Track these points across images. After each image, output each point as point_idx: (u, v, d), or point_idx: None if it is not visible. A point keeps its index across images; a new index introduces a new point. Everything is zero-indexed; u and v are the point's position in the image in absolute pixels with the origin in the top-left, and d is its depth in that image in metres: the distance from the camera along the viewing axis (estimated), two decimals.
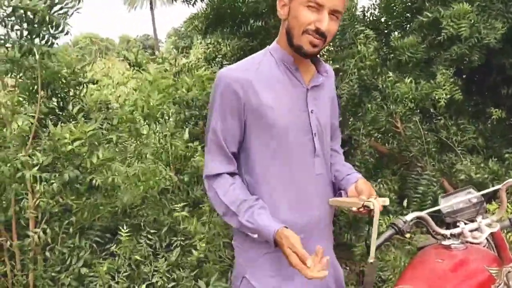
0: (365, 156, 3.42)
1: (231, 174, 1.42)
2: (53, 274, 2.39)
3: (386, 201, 1.38)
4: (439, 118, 4.14)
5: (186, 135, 2.54)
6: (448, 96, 3.54)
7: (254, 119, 1.38)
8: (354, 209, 1.39)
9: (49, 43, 2.22)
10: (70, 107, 2.46)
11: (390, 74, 3.73)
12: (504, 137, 4.34)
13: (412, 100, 3.67)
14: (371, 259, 1.35)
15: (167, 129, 2.49)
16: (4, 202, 2.36)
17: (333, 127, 1.62)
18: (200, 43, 5.95)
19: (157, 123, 2.61)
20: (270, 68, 1.42)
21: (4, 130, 2.27)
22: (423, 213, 1.72)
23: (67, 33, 2.08)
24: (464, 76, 4.27)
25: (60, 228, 2.39)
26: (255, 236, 1.35)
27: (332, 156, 1.65)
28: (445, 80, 3.58)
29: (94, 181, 2.33)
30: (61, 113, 2.69)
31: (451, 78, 3.61)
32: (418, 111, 3.99)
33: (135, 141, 2.55)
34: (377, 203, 1.32)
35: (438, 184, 3.74)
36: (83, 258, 2.40)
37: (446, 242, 1.64)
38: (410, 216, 1.69)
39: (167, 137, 2.56)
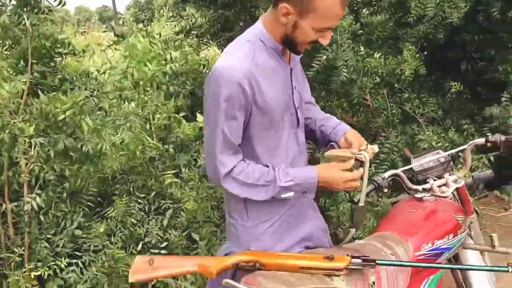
0: None
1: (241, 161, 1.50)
2: (48, 236, 2.49)
3: (375, 148, 1.57)
4: (403, 92, 4.40)
5: (172, 105, 2.65)
6: (413, 71, 3.80)
7: (257, 110, 1.44)
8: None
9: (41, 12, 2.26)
10: (57, 76, 2.52)
11: (362, 49, 3.94)
12: (462, 110, 4.68)
13: (380, 74, 3.90)
14: (361, 203, 1.55)
15: (157, 99, 2.59)
16: None
17: (307, 98, 1.77)
18: (171, 16, 5.90)
19: (147, 91, 2.71)
20: (263, 57, 1.45)
21: None
22: (398, 171, 1.95)
23: (64, 4, 2.13)
24: (425, 53, 4.53)
25: (54, 193, 2.48)
26: (291, 194, 1.47)
27: (310, 110, 1.79)
28: (411, 56, 3.83)
29: (85, 148, 2.42)
30: (45, 81, 2.72)
31: (416, 54, 3.86)
32: (384, 85, 4.25)
33: (124, 110, 2.64)
34: (367, 154, 1.51)
35: (398, 154, 4.03)
36: (77, 221, 2.50)
37: (418, 195, 1.88)
38: (388, 174, 1.92)
39: (157, 106, 2.66)
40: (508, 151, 1.94)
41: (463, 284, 2.12)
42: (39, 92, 2.39)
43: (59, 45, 2.60)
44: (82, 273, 2.46)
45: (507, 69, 4.16)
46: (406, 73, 3.74)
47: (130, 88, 2.53)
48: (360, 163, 1.51)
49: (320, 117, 1.78)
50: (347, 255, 1.37)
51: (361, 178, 1.54)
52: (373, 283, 1.42)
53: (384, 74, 3.86)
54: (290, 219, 1.58)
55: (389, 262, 1.40)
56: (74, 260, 2.47)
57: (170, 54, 2.91)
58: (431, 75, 4.75)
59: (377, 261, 1.35)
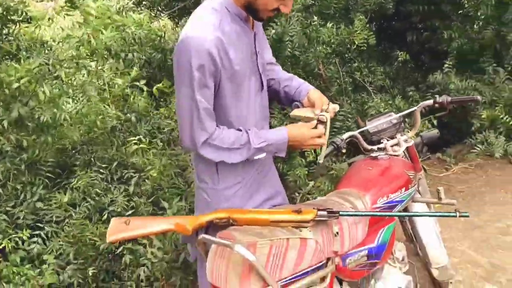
0: None
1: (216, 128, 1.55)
2: (7, 208, 2.44)
3: (336, 107, 1.69)
4: (353, 61, 4.57)
5: (134, 73, 2.63)
6: (364, 40, 3.95)
7: (225, 77, 1.49)
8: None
9: None
10: (12, 44, 2.43)
11: (315, 18, 4.03)
12: (408, 78, 4.93)
13: (333, 44, 4.02)
14: (320, 160, 1.68)
15: (116, 67, 2.56)
16: None
17: (268, 59, 1.82)
18: None
19: (105, 59, 2.67)
20: (229, 24, 1.48)
21: None
22: (355, 133, 2.09)
23: None
24: (374, 23, 4.70)
25: (11, 164, 2.43)
26: (264, 154, 1.56)
27: (273, 70, 1.86)
28: (361, 26, 3.97)
29: (43, 118, 2.37)
30: None
31: (366, 25, 4.01)
32: (335, 55, 4.39)
33: (81, 78, 2.59)
34: (328, 115, 1.62)
35: (353, 120, 4.22)
36: (38, 193, 2.47)
37: (373, 154, 2.03)
38: (346, 135, 2.05)
39: (115, 75, 2.64)
40: (451, 113, 2.12)
41: (412, 234, 2.33)
42: None
43: (12, 12, 2.49)
44: (45, 244, 2.45)
45: (451, 35, 4.40)
46: (356, 42, 3.88)
47: (86, 56, 2.48)
48: (322, 123, 1.62)
49: (283, 77, 1.85)
50: (314, 208, 1.48)
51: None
52: (337, 233, 1.55)
53: (335, 44, 3.98)
54: (258, 179, 1.68)
55: (351, 213, 1.53)
56: (37, 232, 2.44)
57: (125, 21, 2.85)
58: (379, 45, 4.95)
59: (340, 212, 1.47)
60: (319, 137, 1.61)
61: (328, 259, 1.54)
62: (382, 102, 4.16)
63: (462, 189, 3.74)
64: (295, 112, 1.70)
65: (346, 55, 4.57)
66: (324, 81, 4.48)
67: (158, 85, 2.70)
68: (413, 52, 4.82)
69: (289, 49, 3.68)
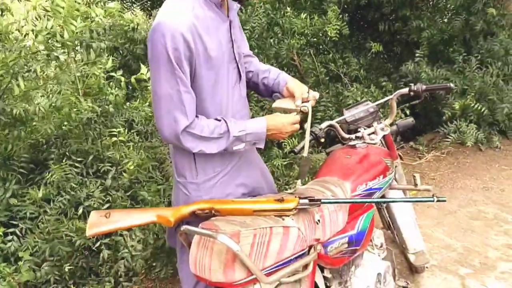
0: None
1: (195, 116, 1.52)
2: None
3: (316, 95, 1.71)
4: (328, 52, 4.60)
5: (109, 64, 2.57)
6: (338, 31, 3.98)
7: (200, 64, 1.46)
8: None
9: None
10: None
11: (288, 9, 4.03)
12: (381, 68, 5.00)
13: (307, 35, 4.04)
14: (305, 154, 1.67)
15: (90, 57, 2.50)
16: None
17: (245, 51, 1.83)
18: None
19: (76, 51, 2.60)
20: (202, 9, 1.47)
21: None
22: (333, 122, 2.10)
23: None
24: (347, 14, 4.73)
25: None
26: (242, 145, 1.55)
27: (251, 62, 1.86)
28: (334, 17, 4.00)
29: (16, 111, 2.30)
30: None
31: (339, 15, 4.04)
32: (310, 46, 4.41)
33: (54, 70, 2.52)
34: (310, 105, 1.63)
35: (334, 109, 4.26)
36: (11, 189, 2.40)
37: (351, 143, 2.05)
38: (324, 125, 2.06)
39: (86, 66, 2.58)
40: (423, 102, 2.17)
41: (389, 221, 2.38)
42: None
43: None
44: (19, 241, 2.39)
45: (420, 25, 4.48)
46: (330, 33, 3.91)
47: (57, 48, 2.40)
48: (304, 114, 1.63)
49: (261, 69, 1.85)
50: (295, 197, 1.49)
51: (304, 128, 1.67)
52: (318, 220, 1.56)
53: (310, 35, 4.00)
54: (238, 169, 1.67)
55: (332, 200, 1.55)
56: (11, 229, 2.37)
57: (95, 11, 2.78)
58: (353, 36, 5.00)
59: (322, 200, 1.49)
60: (297, 122, 1.63)
61: (310, 246, 1.55)
62: (358, 91, 4.22)
63: (435, 176, 3.84)
64: (276, 104, 1.70)
65: (321, 46, 4.60)
66: (300, 72, 4.50)
67: (136, 75, 2.64)
68: (385, 43, 4.88)
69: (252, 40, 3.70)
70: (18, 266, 2.21)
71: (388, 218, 2.35)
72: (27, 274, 2.15)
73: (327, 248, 1.65)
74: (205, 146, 1.51)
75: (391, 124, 2.18)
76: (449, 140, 4.00)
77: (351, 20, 5.04)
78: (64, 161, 2.47)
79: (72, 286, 2.41)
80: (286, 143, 3.36)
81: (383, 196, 2.11)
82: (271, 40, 4.00)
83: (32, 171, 2.64)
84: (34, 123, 2.46)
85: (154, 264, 2.55)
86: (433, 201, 1.46)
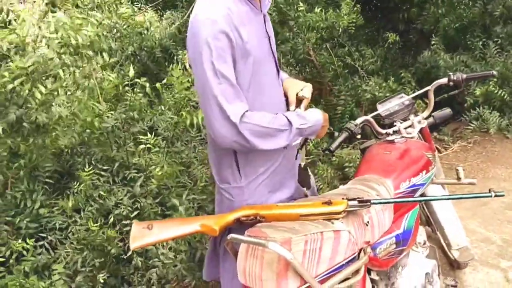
0: None
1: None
2: (7, 218, 2.33)
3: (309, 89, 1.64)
4: (343, 46, 4.52)
5: (132, 72, 2.51)
6: (352, 23, 3.90)
7: (240, 57, 1.42)
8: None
9: None
10: None
11: (301, 4, 3.96)
12: (397, 59, 4.90)
13: (322, 29, 3.97)
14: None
15: (104, 59, 2.45)
16: None
17: None
18: None
19: (89, 57, 2.55)
20: (235, 4, 1.44)
21: None
22: (368, 117, 2.03)
23: None
24: (359, 6, 4.64)
25: (8, 170, 2.31)
26: (300, 139, 1.52)
27: None
28: (348, 9, 3.92)
29: (39, 120, 2.26)
30: None
31: (354, 7, 3.96)
32: (325, 40, 4.33)
33: (69, 77, 2.47)
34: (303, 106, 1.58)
35: (353, 103, 4.18)
36: (39, 200, 2.36)
37: (389, 138, 1.97)
38: (359, 120, 1.98)
39: (105, 71, 2.53)
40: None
41: (428, 217, 2.29)
42: None
43: None
44: (49, 253, 2.35)
45: (437, 12, 4.37)
46: (342, 25, 3.83)
47: (71, 55, 2.35)
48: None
49: None
50: (343, 198, 1.42)
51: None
52: (367, 222, 1.49)
53: (325, 29, 3.93)
54: (281, 171, 1.61)
55: (383, 201, 1.48)
56: (40, 242, 2.33)
57: (107, 17, 2.75)
58: (367, 27, 4.91)
59: (372, 201, 1.42)
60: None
61: (360, 250, 1.48)
62: (376, 85, 4.13)
63: (464, 167, 3.73)
64: None
65: (336, 40, 4.52)
66: (317, 67, 4.42)
67: (158, 83, 2.59)
68: (400, 32, 4.78)
69: None
70: (52, 280, 2.17)
71: (428, 214, 2.27)
72: (62, 287, 2.10)
73: (376, 250, 1.58)
74: (266, 140, 1.43)
75: (427, 117, 2.10)
76: (470, 127, 3.90)
77: (364, 10, 4.95)
78: (89, 169, 2.42)
79: None
80: (309, 141, 3.29)
81: (424, 193, 2.05)
82: (287, 35, 3.93)
83: (58, 181, 2.60)
84: (56, 132, 2.42)
85: (185, 273, 2.49)
86: (490, 196, 1.38)
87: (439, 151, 4.06)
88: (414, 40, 5.08)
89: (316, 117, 1.54)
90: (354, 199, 1.41)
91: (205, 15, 1.36)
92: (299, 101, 1.61)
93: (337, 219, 1.40)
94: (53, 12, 3.06)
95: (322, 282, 1.31)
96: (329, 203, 1.40)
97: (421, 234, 2.02)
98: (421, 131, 2.10)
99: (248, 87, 1.47)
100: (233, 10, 1.41)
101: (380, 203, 1.46)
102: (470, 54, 4.37)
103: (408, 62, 4.94)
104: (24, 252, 2.24)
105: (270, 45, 1.57)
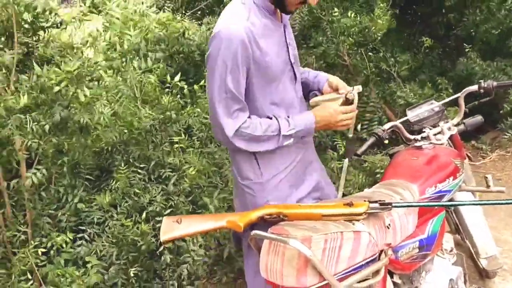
0: None
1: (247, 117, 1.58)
2: (50, 211, 2.48)
3: (359, 88, 1.67)
4: (378, 50, 4.50)
5: (175, 78, 2.64)
6: (386, 27, 3.88)
7: (256, 67, 1.53)
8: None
9: None
10: (47, 49, 2.46)
11: (336, 9, 3.98)
12: (434, 66, 4.82)
13: (356, 33, 3.97)
14: (350, 134, 1.73)
15: (147, 64, 2.58)
16: None
17: None
18: None
19: (132, 60, 2.68)
20: (257, 17, 1.54)
21: None
22: (396, 123, 2.05)
23: None
24: (397, 10, 4.60)
25: (53, 165, 2.46)
26: (291, 140, 1.58)
27: None
28: (382, 13, 3.91)
29: (82, 120, 2.40)
30: (31, 56, 2.67)
31: (388, 11, 3.94)
32: (359, 44, 4.32)
33: (114, 79, 2.62)
34: (356, 91, 1.62)
35: (382, 111, 4.16)
36: (79, 195, 2.50)
37: (417, 144, 1.98)
38: (387, 126, 2.01)
39: (144, 74, 2.65)
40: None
41: (457, 225, 2.28)
42: (34, 64, 2.33)
43: (41, 19, 2.54)
44: (88, 246, 2.48)
45: (476, 18, 4.28)
46: (377, 28, 3.81)
47: (116, 58, 2.49)
48: (348, 103, 1.62)
49: (300, 70, 1.87)
50: (365, 201, 1.45)
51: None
52: (389, 225, 1.52)
53: (357, 33, 3.94)
54: (300, 168, 1.69)
55: (404, 204, 1.50)
56: (80, 235, 2.47)
57: (148, 20, 2.87)
58: (403, 31, 4.86)
59: (393, 204, 1.44)
60: (350, 112, 1.63)
61: (380, 251, 1.51)
62: (411, 91, 4.09)
63: (501, 176, 3.65)
64: (316, 99, 1.70)
65: (370, 45, 4.51)
66: (351, 72, 4.42)
67: (196, 85, 2.70)
68: (440, 38, 4.71)
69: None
70: (87, 269, 2.30)
71: (457, 221, 2.25)
72: (95, 276, 2.23)
73: (398, 253, 1.60)
74: (259, 145, 1.57)
75: (458, 124, 2.09)
76: (507, 136, 3.80)
77: (402, 15, 4.90)
78: (127, 167, 2.55)
79: None
80: (341, 145, 3.31)
81: (452, 199, 2.04)
82: (321, 39, 3.96)
83: (98, 178, 2.74)
84: (97, 132, 2.56)
85: (215, 268, 2.57)
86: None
87: (476, 160, 3.98)
88: (454, 46, 4.99)
89: (306, 120, 1.62)
90: (375, 202, 1.45)
91: (227, 29, 1.47)
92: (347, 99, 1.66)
93: (358, 220, 1.44)
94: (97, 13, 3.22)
95: (341, 280, 1.35)
96: (350, 204, 1.44)
97: (448, 241, 2.01)
98: (451, 138, 2.09)
99: (264, 95, 1.59)
100: (255, 23, 1.52)
101: (402, 206, 1.49)
102: (510, 61, 4.25)
103: (447, 68, 4.86)
104: (64, 245, 2.38)
105: (288, 53, 1.66)
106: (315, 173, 1.77)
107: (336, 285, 1.30)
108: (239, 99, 1.53)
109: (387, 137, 1.95)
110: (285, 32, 1.65)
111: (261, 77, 1.56)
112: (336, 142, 3.33)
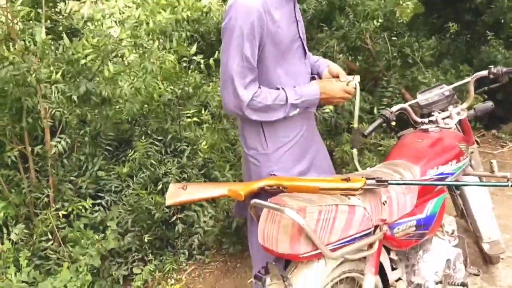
0: None
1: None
2: (71, 178, 2.62)
3: (358, 78, 1.72)
4: (402, 35, 4.44)
5: (193, 50, 2.71)
6: (412, 11, 3.83)
7: (269, 39, 1.57)
8: None
9: None
10: (76, 22, 2.57)
11: None
12: (460, 52, 4.74)
13: (380, 17, 3.94)
14: (355, 125, 1.75)
15: (172, 45, 2.66)
16: (16, 113, 2.50)
17: None
18: None
19: (159, 39, 2.77)
20: None
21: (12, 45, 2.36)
22: (405, 105, 2.07)
23: None
24: None
25: (75, 137, 2.59)
26: (297, 111, 1.64)
27: None
28: None
29: (104, 93, 2.51)
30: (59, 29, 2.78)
31: None
32: (383, 28, 4.28)
33: (140, 56, 2.71)
34: (357, 82, 1.68)
35: (401, 96, 4.14)
36: (98, 164, 2.63)
37: (424, 127, 2.01)
38: (395, 108, 2.04)
39: (169, 53, 2.73)
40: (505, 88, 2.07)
41: (463, 209, 2.30)
42: (64, 36, 2.44)
43: None
44: (105, 212, 2.62)
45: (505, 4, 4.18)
46: (402, 13, 3.77)
47: (143, 37, 2.58)
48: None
49: None
50: (362, 177, 1.51)
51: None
52: (385, 201, 1.57)
53: (381, 17, 3.90)
54: (303, 141, 1.74)
55: (400, 182, 1.55)
56: (98, 201, 2.61)
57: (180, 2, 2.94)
58: (430, 15, 4.77)
59: (389, 181, 1.50)
60: (349, 91, 1.70)
61: (376, 226, 1.57)
62: (433, 77, 4.06)
63: None
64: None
65: (395, 30, 4.46)
66: (373, 56, 4.40)
67: (214, 57, 2.77)
68: (467, 24, 4.62)
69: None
70: (106, 234, 2.44)
71: (462, 206, 2.28)
72: (114, 242, 2.36)
73: (394, 229, 1.65)
74: (268, 115, 1.61)
75: (468, 109, 2.10)
76: None
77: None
78: (145, 139, 2.66)
79: (150, 255, 2.60)
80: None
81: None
82: (342, 21, 3.95)
83: (117, 148, 2.87)
84: (119, 105, 2.66)
85: (224, 240, 2.67)
86: (507, 185, 1.42)
87: (495, 149, 3.94)
88: (480, 33, 4.88)
89: (311, 91, 1.67)
90: (372, 178, 1.50)
91: (243, 0, 1.51)
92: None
93: (354, 195, 1.50)
94: None
95: (333, 250, 1.42)
96: (347, 180, 1.50)
97: (451, 224, 2.04)
98: (460, 122, 2.11)
99: (275, 67, 1.63)
100: None
101: (397, 183, 1.54)
102: None
103: (472, 55, 4.77)
104: (83, 210, 2.52)
105: (298, 28, 1.71)
106: (315, 148, 1.83)
107: (327, 253, 1.37)
108: (254, 69, 1.56)
109: (394, 119, 1.98)
110: (294, 8, 1.70)
111: (273, 48, 1.59)
112: (351, 125, 3.36)
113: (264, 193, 1.55)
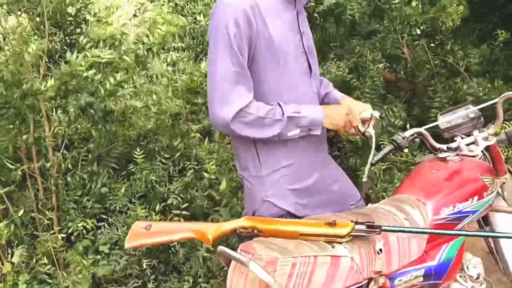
0: (375, 82, 3.40)
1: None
2: (75, 197, 2.55)
3: (377, 114, 1.56)
4: (445, 43, 4.10)
5: (203, 65, 2.60)
6: (457, 17, 3.50)
7: (262, 45, 1.41)
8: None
9: None
10: (81, 38, 2.52)
11: None
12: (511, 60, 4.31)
13: (419, 24, 3.64)
14: (364, 179, 1.55)
15: (175, 58, 2.55)
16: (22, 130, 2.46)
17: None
18: None
19: (159, 53, 2.67)
20: None
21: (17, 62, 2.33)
22: (421, 129, 1.81)
23: None
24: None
25: (78, 154, 2.52)
26: (297, 131, 1.46)
27: None
28: (450, 3, 3.54)
29: (107, 107, 2.43)
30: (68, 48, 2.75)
31: (460, 1, 3.55)
32: (423, 36, 3.96)
33: (141, 70, 2.62)
34: (373, 131, 1.47)
35: (449, 106, 3.79)
36: (102, 182, 2.54)
37: (441, 155, 1.74)
38: (409, 133, 1.78)
39: (176, 65, 2.63)
40: None
41: (494, 249, 1.99)
42: (68, 53, 2.39)
43: (84, 12, 2.61)
44: (105, 233, 2.52)
45: None
46: (446, 18, 3.46)
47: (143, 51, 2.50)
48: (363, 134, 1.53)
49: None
50: (351, 221, 1.28)
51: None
52: (380, 250, 1.33)
53: (422, 24, 3.61)
54: (306, 168, 1.57)
55: (396, 229, 1.30)
56: (101, 223, 2.52)
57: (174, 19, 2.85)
58: (477, 22, 4.40)
59: (382, 227, 1.26)
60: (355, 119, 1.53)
61: (370, 279, 1.33)
62: (480, 87, 3.69)
63: None
64: None
65: (437, 37, 4.12)
66: (411, 66, 4.09)
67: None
68: None
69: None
70: (102, 257, 2.34)
71: (493, 245, 1.97)
72: (106, 267, 2.25)
73: (395, 281, 1.40)
74: (260, 132, 1.43)
75: (497, 133, 1.81)
76: None
77: (474, 5, 4.42)
78: (153, 157, 2.55)
79: (153, 281, 2.47)
80: (385, 145, 3.07)
81: (483, 218, 1.78)
82: (377, 26, 3.68)
83: (124, 166, 2.77)
84: (129, 121, 2.58)
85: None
86: None
87: None
88: None
89: (314, 110, 1.50)
90: (362, 223, 1.27)
91: (230, 1, 1.37)
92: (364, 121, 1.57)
93: (340, 243, 1.27)
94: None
95: None
96: (333, 224, 1.28)
97: (476, 266, 1.75)
98: (488, 149, 1.81)
99: (266, 75, 1.46)
100: (260, 1, 1.41)
101: (391, 231, 1.30)
102: None
103: None
104: (84, 232, 2.44)
105: (303, 42, 1.55)
106: (318, 173, 1.62)
107: None
108: (245, 75, 1.40)
109: (406, 145, 1.73)
110: (298, 19, 1.55)
111: (268, 56, 1.44)
112: (381, 142, 3.09)
113: (237, 236, 1.36)
